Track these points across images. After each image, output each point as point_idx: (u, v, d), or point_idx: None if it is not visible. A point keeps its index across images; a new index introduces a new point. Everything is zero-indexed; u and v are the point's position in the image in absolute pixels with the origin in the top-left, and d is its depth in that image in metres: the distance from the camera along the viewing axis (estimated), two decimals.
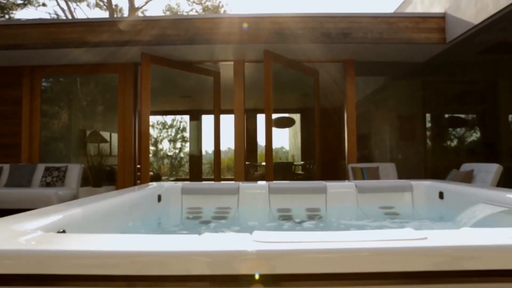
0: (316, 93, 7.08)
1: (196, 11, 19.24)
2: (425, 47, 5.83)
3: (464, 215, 2.10)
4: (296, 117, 11.66)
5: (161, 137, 16.02)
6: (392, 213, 2.71)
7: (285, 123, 9.22)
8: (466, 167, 4.95)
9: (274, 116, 10.15)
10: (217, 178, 7.07)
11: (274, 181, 3.26)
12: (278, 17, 5.62)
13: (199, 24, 5.54)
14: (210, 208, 2.82)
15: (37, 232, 1.23)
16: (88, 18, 5.36)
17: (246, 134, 6.47)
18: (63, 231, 1.41)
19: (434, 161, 7.18)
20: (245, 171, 6.37)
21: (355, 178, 5.94)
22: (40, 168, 6.11)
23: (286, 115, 10.94)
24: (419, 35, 5.68)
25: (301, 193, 2.86)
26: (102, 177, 6.05)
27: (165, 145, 15.94)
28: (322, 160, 7.14)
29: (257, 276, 0.98)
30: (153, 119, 14.89)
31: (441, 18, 5.72)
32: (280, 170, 8.34)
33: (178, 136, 15.95)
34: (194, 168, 11.75)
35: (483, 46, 5.87)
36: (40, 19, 5.67)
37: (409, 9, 6.95)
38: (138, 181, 6.39)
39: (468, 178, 4.70)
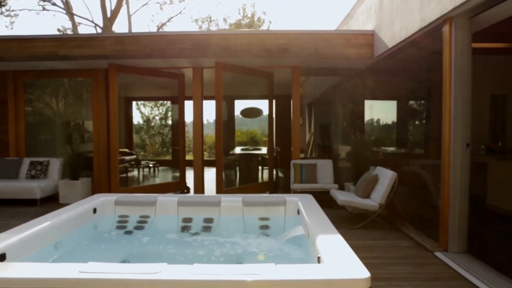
0: (270, 93, 7.92)
1: None
2: (358, 59, 6.58)
3: (288, 231, 3.09)
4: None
5: (152, 115, 17.12)
6: (265, 226, 3.71)
7: (252, 113, 10.02)
8: (376, 170, 5.89)
9: (245, 104, 11.02)
10: (183, 157, 8.20)
11: (183, 195, 4.23)
12: (226, 34, 6.37)
13: (155, 41, 6.31)
14: (135, 216, 3.84)
15: None
16: (59, 34, 6.17)
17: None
18: (4, 254, 2.37)
19: (375, 152, 8.08)
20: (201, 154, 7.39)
21: (294, 173, 6.91)
22: (26, 162, 7.13)
23: (258, 101, 11.62)
24: (351, 50, 6.42)
25: (201, 206, 3.84)
26: (79, 169, 7.01)
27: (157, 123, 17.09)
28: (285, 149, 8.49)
29: None
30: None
31: (371, 34, 6.42)
32: (246, 160, 9.30)
33: (169, 114, 17.01)
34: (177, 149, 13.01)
35: (412, 58, 6.57)
36: (15, 35, 6.47)
37: (353, 21, 7.59)
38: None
39: (374, 181, 5.65)
